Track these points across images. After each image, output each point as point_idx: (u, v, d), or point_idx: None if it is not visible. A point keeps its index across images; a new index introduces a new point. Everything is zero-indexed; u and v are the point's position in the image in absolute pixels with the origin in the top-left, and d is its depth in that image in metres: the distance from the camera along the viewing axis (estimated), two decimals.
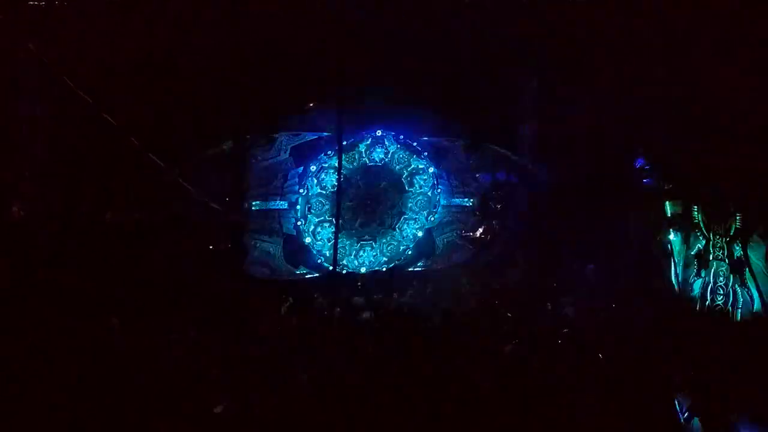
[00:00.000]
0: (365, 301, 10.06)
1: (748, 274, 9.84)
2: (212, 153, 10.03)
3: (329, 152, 10.76)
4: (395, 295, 10.72)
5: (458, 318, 9.24)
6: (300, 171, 10.82)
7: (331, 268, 11.05)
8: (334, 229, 10.08)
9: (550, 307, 10.11)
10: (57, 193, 9.25)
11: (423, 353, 7.66)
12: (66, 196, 9.25)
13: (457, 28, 10.15)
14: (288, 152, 10.70)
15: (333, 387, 6.82)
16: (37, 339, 7.14)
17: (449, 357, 7.63)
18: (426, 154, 11.59)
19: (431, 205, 11.81)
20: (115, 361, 7.03)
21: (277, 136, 10.52)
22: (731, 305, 10.06)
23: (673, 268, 10.62)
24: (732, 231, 9.98)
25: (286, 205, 10.82)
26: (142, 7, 8.85)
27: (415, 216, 11.78)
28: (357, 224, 11.43)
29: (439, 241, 12.17)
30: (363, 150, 11.20)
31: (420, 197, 11.75)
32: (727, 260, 10.07)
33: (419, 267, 12.03)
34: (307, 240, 10.98)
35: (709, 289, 10.27)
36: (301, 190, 10.82)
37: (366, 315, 9.18)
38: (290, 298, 9.68)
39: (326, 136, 10.68)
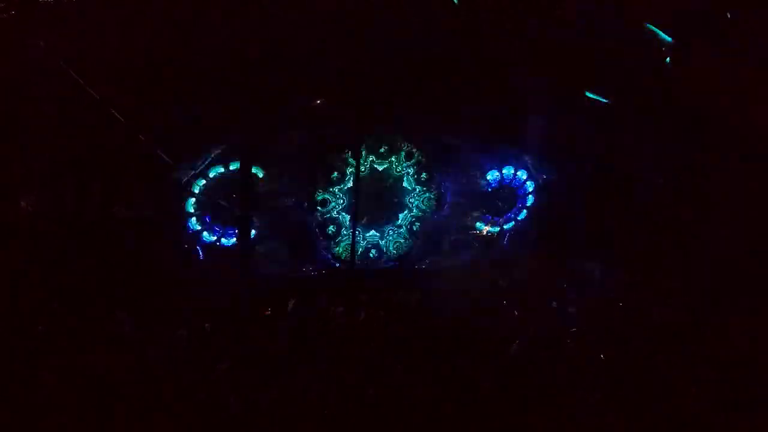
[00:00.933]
0: (370, 298, 10.09)
1: None
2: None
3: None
4: (400, 293, 10.74)
5: (463, 316, 9.24)
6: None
7: (337, 264, 11.33)
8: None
9: (556, 306, 10.12)
10: (64, 188, 9.34)
11: (426, 352, 7.68)
12: (73, 192, 9.33)
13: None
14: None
15: (334, 386, 6.85)
16: (43, 333, 7.24)
17: (453, 356, 7.64)
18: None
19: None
20: (121, 356, 7.11)
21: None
22: None
23: None
24: None
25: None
26: (148, 6, 8.87)
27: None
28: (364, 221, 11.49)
29: (446, 238, 12.19)
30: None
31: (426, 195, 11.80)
32: None
33: (425, 265, 12.05)
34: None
35: None
36: None
37: (369, 313, 9.21)
38: (295, 296, 9.70)
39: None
